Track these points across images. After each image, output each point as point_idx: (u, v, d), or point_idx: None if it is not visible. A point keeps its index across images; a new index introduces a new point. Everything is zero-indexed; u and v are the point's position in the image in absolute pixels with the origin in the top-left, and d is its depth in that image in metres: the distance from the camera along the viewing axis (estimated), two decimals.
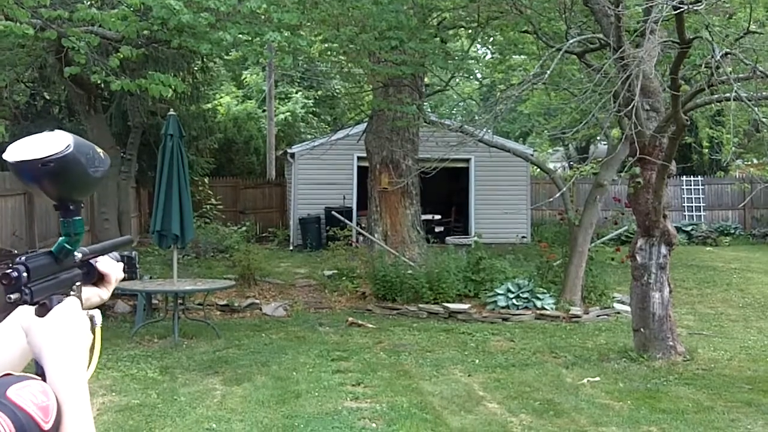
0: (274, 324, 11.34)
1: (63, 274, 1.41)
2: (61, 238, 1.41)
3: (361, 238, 16.97)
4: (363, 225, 17.44)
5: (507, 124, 27.93)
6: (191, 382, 8.07)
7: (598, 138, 25.08)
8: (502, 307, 11.78)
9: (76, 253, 1.44)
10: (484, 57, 24.40)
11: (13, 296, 1.31)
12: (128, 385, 7.90)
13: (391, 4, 10.23)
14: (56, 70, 12.97)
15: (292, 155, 21.27)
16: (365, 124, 16.20)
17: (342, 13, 10.76)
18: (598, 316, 11.84)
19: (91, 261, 1.51)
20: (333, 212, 17.95)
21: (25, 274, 1.31)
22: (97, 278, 1.55)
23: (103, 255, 1.56)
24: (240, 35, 9.49)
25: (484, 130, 11.84)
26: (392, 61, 11.81)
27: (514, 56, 16.75)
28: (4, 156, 1.32)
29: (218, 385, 8.00)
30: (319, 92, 28.87)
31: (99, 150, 1.39)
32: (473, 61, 22.90)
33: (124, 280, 1.64)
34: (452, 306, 11.94)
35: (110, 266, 1.57)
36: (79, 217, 1.42)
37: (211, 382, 8.08)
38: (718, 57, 7.57)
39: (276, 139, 26.10)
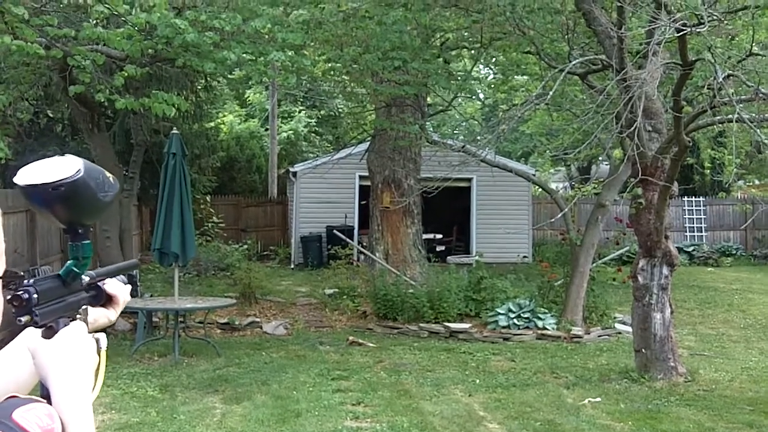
0: (275, 342, 11.33)
1: (70, 298, 1.42)
2: (69, 262, 1.43)
3: (362, 256, 16.96)
4: (364, 244, 17.44)
5: (509, 144, 27.97)
6: (191, 401, 8.05)
7: (600, 158, 25.11)
8: (503, 327, 11.76)
9: (83, 277, 1.45)
10: (487, 77, 24.47)
11: (23, 318, 1.32)
12: (128, 402, 7.89)
13: (394, 25, 10.29)
14: (60, 89, 13.02)
15: (294, 174, 21.32)
16: (367, 144, 16.25)
17: (346, 33, 10.83)
18: (599, 336, 11.82)
19: (99, 283, 1.53)
20: (334, 231, 17.95)
21: (35, 296, 1.32)
22: (106, 300, 1.57)
23: (109, 278, 1.58)
24: (244, 54, 9.54)
25: (487, 150, 11.88)
26: (395, 81, 11.86)
27: (516, 77, 16.80)
28: (15, 179, 1.33)
29: (218, 403, 7.98)
30: (322, 111, 28.93)
31: (108, 174, 1.40)
32: (476, 81, 22.94)
33: None
34: (453, 325, 11.92)
35: (118, 288, 1.59)
36: (88, 241, 1.43)
37: (210, 401, 8.06)
38: (721, 79, 7.60)
39: (278, 157, 26.14)
